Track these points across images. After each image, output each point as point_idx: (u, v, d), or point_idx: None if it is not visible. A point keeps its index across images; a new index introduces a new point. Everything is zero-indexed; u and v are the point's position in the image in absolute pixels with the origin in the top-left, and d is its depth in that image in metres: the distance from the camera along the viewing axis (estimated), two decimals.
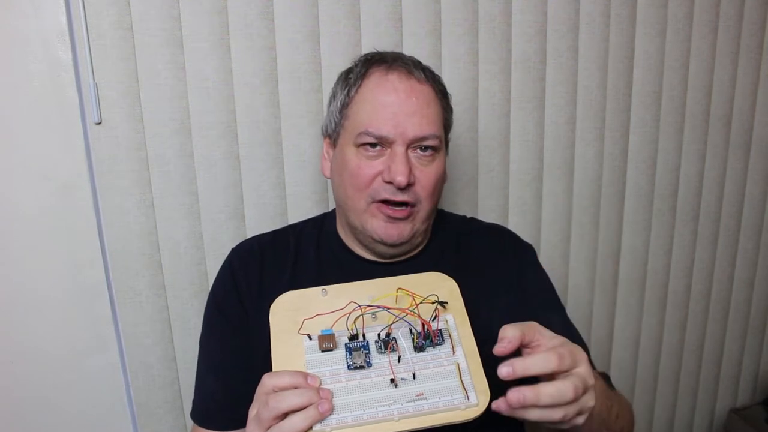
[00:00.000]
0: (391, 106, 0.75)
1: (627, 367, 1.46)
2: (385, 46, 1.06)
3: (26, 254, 0.96)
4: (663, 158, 1.36)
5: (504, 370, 0.54)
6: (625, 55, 1.26)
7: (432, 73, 0.81)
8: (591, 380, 0.58)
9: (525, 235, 1.10)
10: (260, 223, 1.07)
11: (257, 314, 0.80)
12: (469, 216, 0.97)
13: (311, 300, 0.67)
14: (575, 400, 0.55)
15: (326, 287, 0.68)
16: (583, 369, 0.57)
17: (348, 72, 0.81)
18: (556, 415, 0.55)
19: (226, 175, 1.03)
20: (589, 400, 0.57)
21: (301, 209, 1.09)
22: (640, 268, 1.41)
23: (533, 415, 0.55)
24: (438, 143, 0.77)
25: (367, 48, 1.06)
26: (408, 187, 0.75)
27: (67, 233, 0.97)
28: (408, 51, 1.09)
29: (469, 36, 1.13)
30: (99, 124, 0.95)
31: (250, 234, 1.07)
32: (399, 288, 0.66)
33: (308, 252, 0.86)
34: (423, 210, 0.78)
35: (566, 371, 0.56)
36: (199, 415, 0.84)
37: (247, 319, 0.82)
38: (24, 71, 0.90)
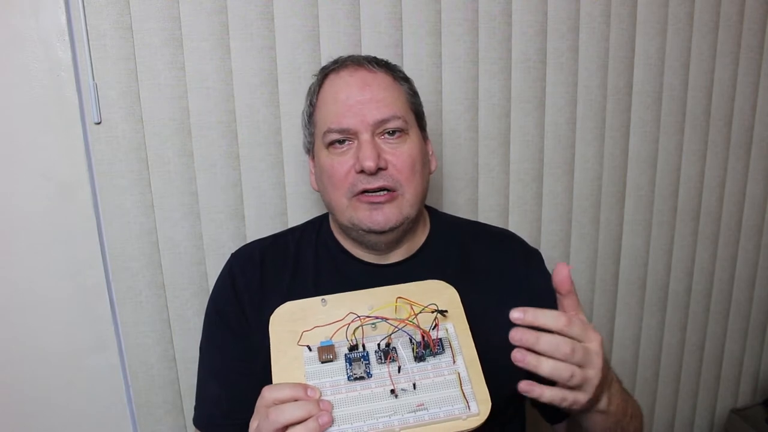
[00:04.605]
0: (346, 99, 0.76)
1: (627, 367, 1.46)
2: (385, 46, 1.07)
3: (26, 254, 0.96)
4: (663, 158, 1.36)
5: (515, 314, 0.59)
6: (625, 55, 1.26)
7: (387, 63, 0.82)
8: (598, 360, 0.61)
9: (525, 234, 1.10)
10: (260, 223, 1.07)
11: (258, 319, 0.80)
12: (473, 219, 0.96)
13: (311, 310, 0.67)
14: (577, 364, 0.59)
15: (326, 297, 0.68)
16: (592, 345, 0.61)
17: (310, 86, 0.84)
18: (564, 372, 0.59)
19: (226, 175, 1.03)
20: (592, 375, 0.60)
21: (301, 209, 1.09)
22: (641, 268, 1.41)
23: (544, 368, 0.59)
24: (403, 124, 0.77)
25: (366, 48, 1.06)
26: (380, 171, 0.75)
27: (67, 233, 0.97)
28: (408, 51, 1.09)
29: (469, 36, 1.13)
30: (99, 124, 0.95)
31: (249, 234, 1.07)
32: (398, 297, 0.66)
33: (307, 256, 0.86)
34: (408, 193, 0.77)
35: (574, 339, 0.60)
36: (202, 421, 0.84)
37: (247, 325, 0.82)
38: (24, 71, 0.90)
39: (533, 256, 0.90)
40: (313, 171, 0.86)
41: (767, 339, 1.64)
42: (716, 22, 1.32)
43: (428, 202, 0.90)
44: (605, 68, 1.25)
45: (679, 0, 1.27)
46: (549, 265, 0.90)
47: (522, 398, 0.86)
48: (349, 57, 0.81)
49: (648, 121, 1.32)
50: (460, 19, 1.11)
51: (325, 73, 0.81)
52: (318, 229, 0.89)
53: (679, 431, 1.58)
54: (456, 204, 1.20)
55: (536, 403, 0.85)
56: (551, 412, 0.82)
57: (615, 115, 1.28)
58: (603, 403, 0.66)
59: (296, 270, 0.84)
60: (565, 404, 0.61)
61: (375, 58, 0.81)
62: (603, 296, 1.38)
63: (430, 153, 0.86)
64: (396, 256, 0.84)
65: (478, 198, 1.22)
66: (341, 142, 0.77)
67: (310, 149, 0.85)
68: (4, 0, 0.88)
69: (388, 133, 0.77)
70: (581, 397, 0.61)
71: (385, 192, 0.76)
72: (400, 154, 0.77)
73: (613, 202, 1.34)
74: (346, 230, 0.81)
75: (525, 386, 0.60)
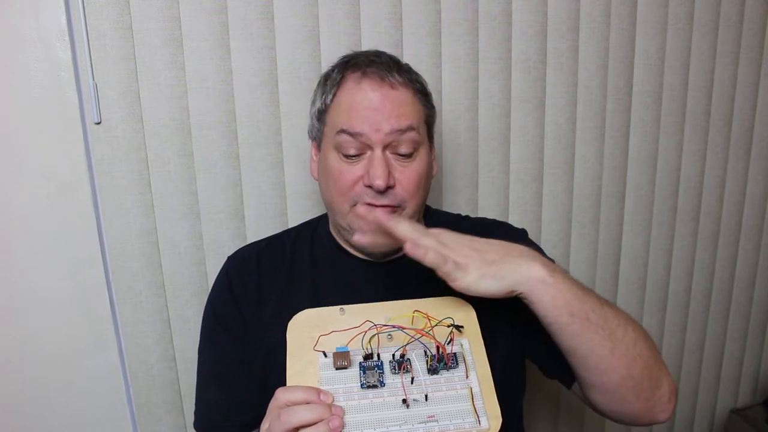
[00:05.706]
0: (365, 109, 0.75)
1: None
2: (386, 46, 1.06)
3: (26, 254, 0.96)
4: (663, 158, 1.36)
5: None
6: (625, 55, 1.26)
7: (409, 72, 0.80)
8: (446, 232, 0.67)
9: None
10: (260, 223, 1.07)
11: (256, 321, 0.80)
12: (463, 214, 0.97)
13: (328, 319, 0.68)
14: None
15: (344, 307, 0.68)
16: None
17: (326, 77, 0.80)
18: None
19: (226, 175, 1.03)
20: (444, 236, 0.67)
21: (301, 209, 1.09)
22: (641, 268, 1.41)
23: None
24: (416, 136, 0.77)
25: (366, 48, 1.06)
26: (388, 189, 0.75)
27: (67, 233, 0.97)
28: (408, 51, 1.09)
29: (469, 36, 1.13)
30: (99, 124, 0.95)
31: (249, 234, 1.07)
32: (416, 311, 0.67)
33: (303, 255, 0.86)
34: (409, 208, 0.78)
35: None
36: (202, 424, 0.84)
37: (245, 327, 0.82)
38: (24, 71, 0.90)
39: (517, 235, 0.90)
40: (315, 159, 0.85)
41: (767, 339, 1.64)
42: (716, 22, 1.32)
43: (428, 202, 0.90)
44: (605, 68, 1.25)
45: (679, 0, 1.27)
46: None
47: (521, 398, 0.86)
48: (373, 62, 0.78)
49: (648, 121, 1.32)
50: (460, 19, 1.11)
51: (344, 73, 0.78)
52: (314, 229, 0.89)
53: (679, 431, 1.58)
54: (456, 204, 1.20)
55: (549, 372, 0.84)
56: (563, 372, 0.79)
57: (615, 115, 1.28)
58: (537, 270, 0.65)
59: (292, 269, 0.84)
60: (449, 266, 0.63)
61: (398, 64, 0.79)
62: (603, 296, 1.38)
63: (433, 158, 0.86)
64: (392, 254, 0.84)
65: (478, 198, 1.22)
66: (354, 156, 0.76)
67: (315, 139, 0.83)
68: (4, 0, 0.88)
69: (400, 154, 0.76)
70: (447, 253, 0.64)
71: (389, 207, 0.76)
72: (409, 173, 0.76)
73: (613, 202, 1.34)
74: (343, 232, 0.81)
75: (409, 247, 0.63)
